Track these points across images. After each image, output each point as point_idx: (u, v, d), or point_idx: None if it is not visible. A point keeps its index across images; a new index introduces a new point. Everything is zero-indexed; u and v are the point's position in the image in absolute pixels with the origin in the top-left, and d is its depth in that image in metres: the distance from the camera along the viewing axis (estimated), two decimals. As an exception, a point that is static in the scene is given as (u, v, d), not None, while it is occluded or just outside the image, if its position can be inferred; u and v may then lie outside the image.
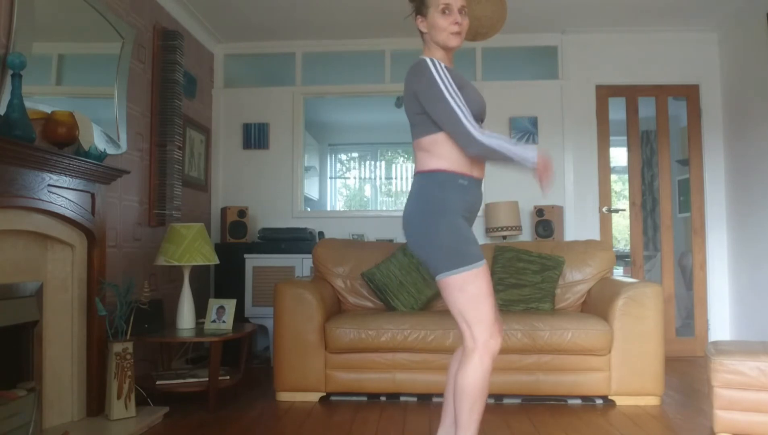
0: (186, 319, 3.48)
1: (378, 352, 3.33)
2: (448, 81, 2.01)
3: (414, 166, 2.25)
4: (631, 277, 4.76)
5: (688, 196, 4.89)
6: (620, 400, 3.26)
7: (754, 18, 4.21)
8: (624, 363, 3.22)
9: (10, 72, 2.44)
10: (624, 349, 3.22)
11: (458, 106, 1.98)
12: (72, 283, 2.89)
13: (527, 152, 1.97)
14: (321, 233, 4.86)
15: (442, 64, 2.05)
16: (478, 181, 2.12)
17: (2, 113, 2.41)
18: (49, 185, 2.62)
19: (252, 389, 3.66)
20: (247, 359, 3.64)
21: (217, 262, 3.59)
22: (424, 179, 2.08)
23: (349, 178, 8.90)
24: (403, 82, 2.13)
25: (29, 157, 2.43)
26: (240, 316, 4.27)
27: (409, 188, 2.16)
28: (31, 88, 2.66)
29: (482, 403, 2.00)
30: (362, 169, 8.75)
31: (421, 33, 2.16)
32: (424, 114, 2.05)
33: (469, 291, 1.98)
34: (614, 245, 4.96)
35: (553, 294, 3.75)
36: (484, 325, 1.98)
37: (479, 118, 2.11)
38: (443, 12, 2.07)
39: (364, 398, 3.41)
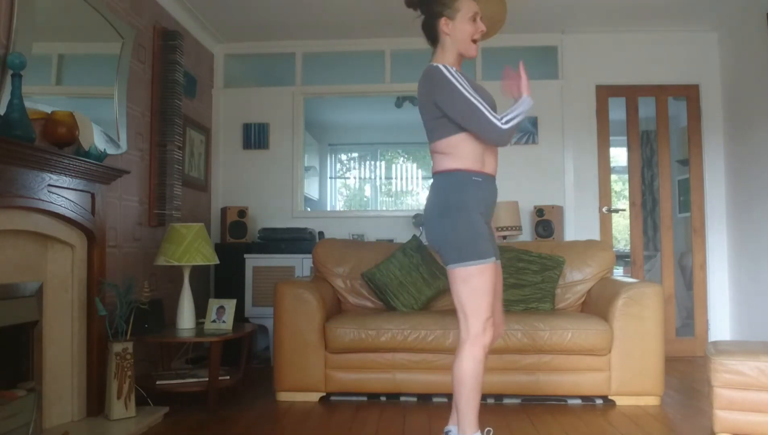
0: (186, 319, 3.48)
1: (378, 352, 3.32)
2: (463, 81, 2.11)
3: (432, 167, 2.37)
4: (631, 277, 4.76)
5: (688, 196, 4.88)
6: (620, 400, 3.26)
7: (754, 18, 4.21)
8: (624, 363, 3.22)
9: (10, 72, 2.44)
10: (624, 349, 3.22)
11: (478, 101, 2.08)
12: (72, 283, 2.88)
13: (526, 105, 2.15)
14: (321, 233, 4.86)
15: (454, 68, 2.14)
16: (491, 178, 2.23)
17: (2, 113, 2.41)
18: (49, 185, 2.62)
19: (252, 389, 3.66)
20: (247, 359, 3.63)
21: (217, 262, 3.59)
22: (441, 179, 2.19)
23: (349, 178, 8.90)
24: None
25: (29, 157, 2.43)
26: (240, 316, 4.27)
27: (428, 189, 2.28)
28: (31, 88, 2.66)
29: (477, 393, 2.09)
30: (362, 169, 8.75)
31: (438, 36, 2.21)
32: (443, 118, 2.14)
33: (471, 284, 2.09)
34: (614, 245, 4.96)
35: (553, 294, 3.74)
36: (479, 318, 2.09)
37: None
38: (473, 20, 2.17)
39: (364, 398, 3.41)
